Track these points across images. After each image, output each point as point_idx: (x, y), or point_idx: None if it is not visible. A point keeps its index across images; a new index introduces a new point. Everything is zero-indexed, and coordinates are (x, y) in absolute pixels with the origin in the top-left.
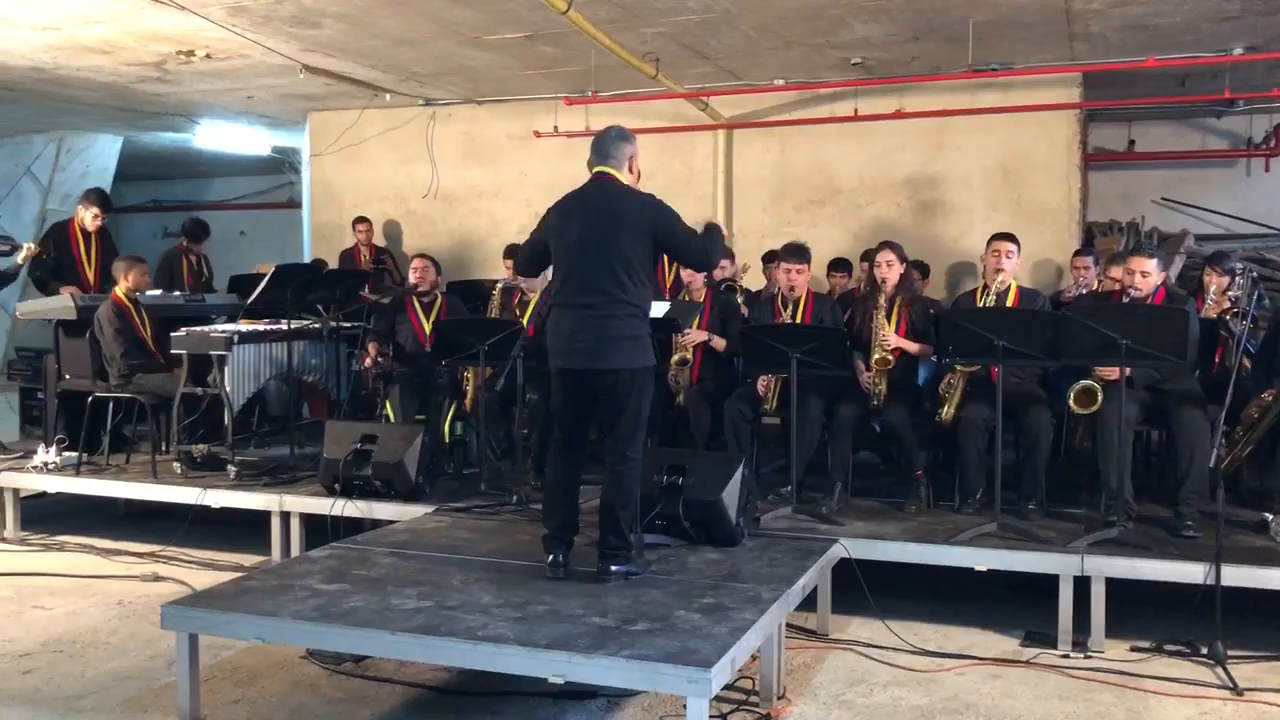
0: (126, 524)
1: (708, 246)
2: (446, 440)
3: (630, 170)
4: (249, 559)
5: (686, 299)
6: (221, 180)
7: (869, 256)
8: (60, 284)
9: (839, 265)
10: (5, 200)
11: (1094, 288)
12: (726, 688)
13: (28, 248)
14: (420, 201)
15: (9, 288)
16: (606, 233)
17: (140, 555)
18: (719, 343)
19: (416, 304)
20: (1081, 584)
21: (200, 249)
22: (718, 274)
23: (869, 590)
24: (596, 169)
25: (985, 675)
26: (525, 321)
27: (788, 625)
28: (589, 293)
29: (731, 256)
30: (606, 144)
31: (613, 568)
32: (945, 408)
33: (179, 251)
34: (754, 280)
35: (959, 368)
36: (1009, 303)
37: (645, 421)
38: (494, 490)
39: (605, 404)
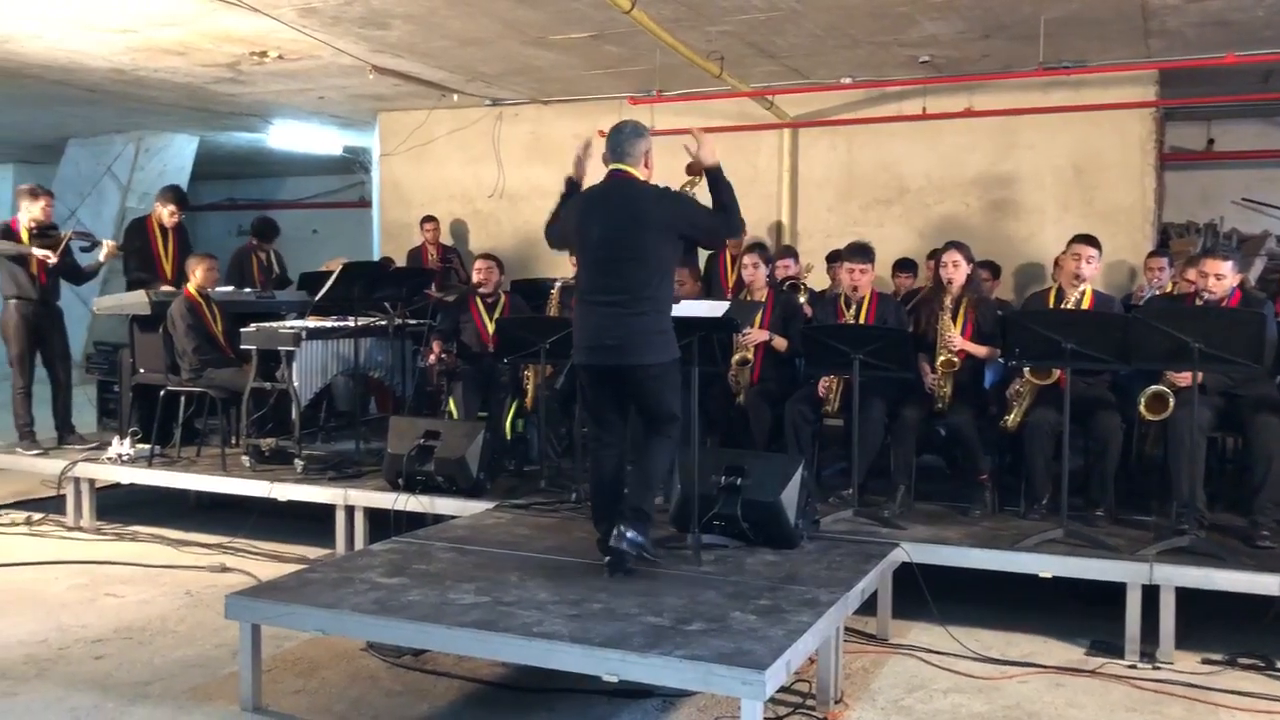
0: (196, 515)
1: (727, 216)
2: (508, 437)
3: (646, 165)
4: (314, 551)
5: (747, 298)
6: (295, 179)
7: (935, 256)
8: (152, 278)
9: (904, 265)
10: (88, 198)
11: (1168, 289)
12: (783, 690)
13: (108, 245)
14: (486, 201)
15: (88, 283)
16: (627, 231)
17: (209, 546)
18: (780, 343)
19: (480, 303)
20: (1150, 593)
21: (270, 247)
22: (780, 273)
23: (930, 595)
24: (613, 166)
25: (1049, 684)
26: None
27: (847, 629)
28: (612, 290)
29: (795, 255)
30: (622, 141)
31: (628, 533)
32: (1012, 415)
33: (249, 250)
34: (819, 281)
35: (1028, 375)
36: (1083, 308)
37: (679, 406)
38: (554, 488)
39: (636, 398)
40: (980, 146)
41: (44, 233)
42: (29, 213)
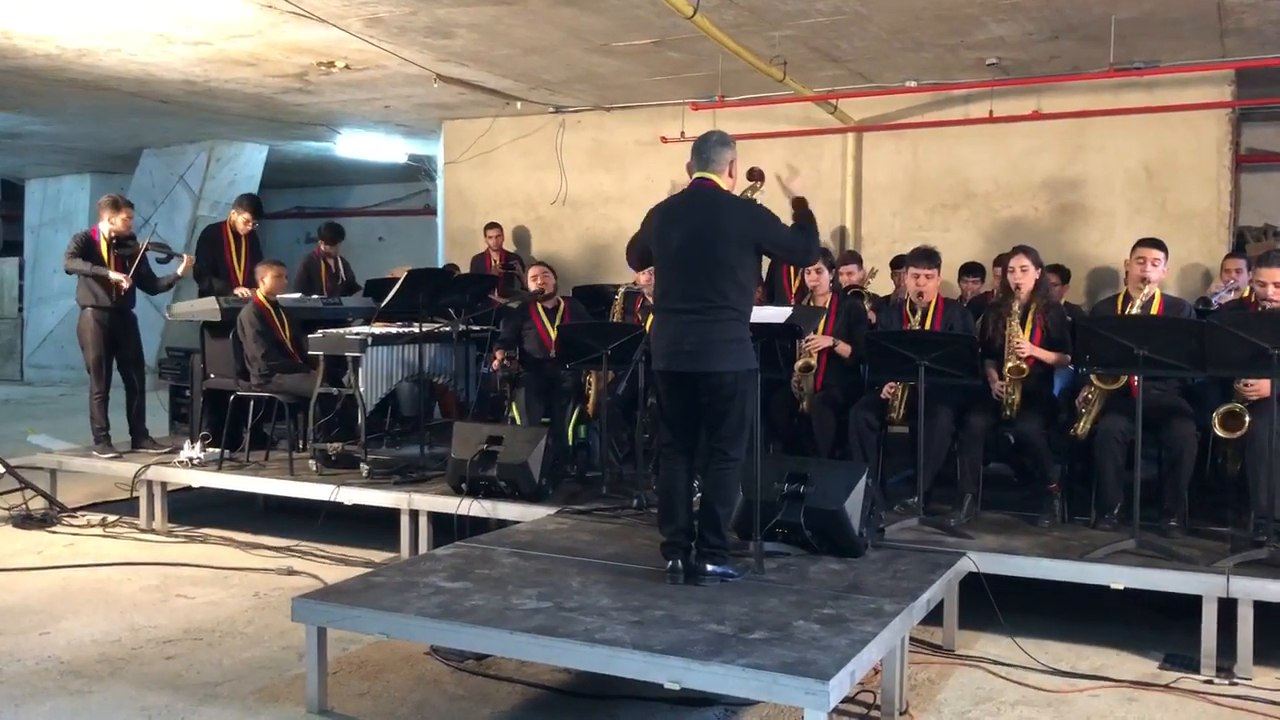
0: (264, 518)
1: (807, 242)
2: (570, 443)
3: (730, 175)
4: (379, 555)
5: (811, 304)
6: (361, 187)
7: (1003, 261)
8: (224, 285)
9: (971, 270)
10: (161, 207)
11: (1245, 293)
12: (847, 701)
13: (186, 260)
14: (549, 207)
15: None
16: (708, 240)
17: (276, 549)
18: (844, 348)
19: (541, 309)
20: (1227, 607)
21: (336, 251)
22: (844, 279)
23: (998, 606)
24: (697, 174)
25: (1121, 698)
26: (647, 326)
27: (912, 639)
28: (691, 299)
29: (859, 261)
30: (707, 149)
31: (709, 567)
32: (1081, 422)
33: (316, 256)
34: (883, 286)
35: (1096, 382)
36: (1153, 312)
37: (749, 423)
38: (615, 493)
39: (709, 406)
40: (1049, 149)
41: (122, 243)
42: (110, 224)
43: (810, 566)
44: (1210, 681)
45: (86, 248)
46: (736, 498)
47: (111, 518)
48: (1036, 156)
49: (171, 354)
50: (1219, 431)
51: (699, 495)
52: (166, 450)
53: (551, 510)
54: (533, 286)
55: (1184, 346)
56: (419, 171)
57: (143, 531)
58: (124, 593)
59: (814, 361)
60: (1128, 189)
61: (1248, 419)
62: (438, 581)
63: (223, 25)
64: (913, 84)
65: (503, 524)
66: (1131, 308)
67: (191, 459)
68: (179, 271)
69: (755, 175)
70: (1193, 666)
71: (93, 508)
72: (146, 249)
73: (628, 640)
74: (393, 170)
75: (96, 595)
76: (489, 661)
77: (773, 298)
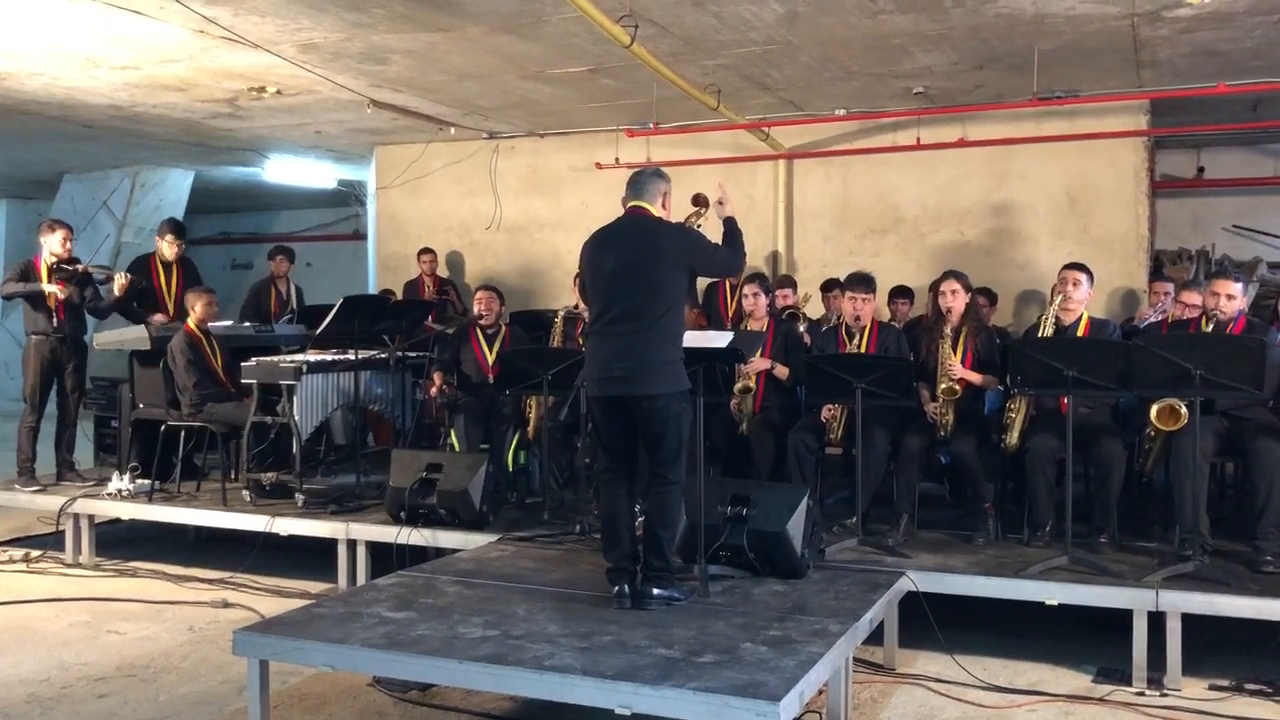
0: (196, 550)
1: (731, 253)
2: (510, 469)
3: (663, 206)
4: (316, 586)
5: (747, 328)
6: (288, 212)
7: (937, 286)
8: (147, 310)
9: (901, 292)
10: (83, 234)
11: (1170, 315)
12: None
13: (119, 279)
14: (483, 233)
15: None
16: (640, 263)
17: (210, 581)
18: (781, 371)
19: (480, 334)
20: (1156, 620)
21: (287, 273)
22: (780, 303)
23: (937, 624)
24: (630, 204)
25: (1057, 712)
26: None
27: (854, 659)
28: (625, 320)
29: (794, 285)
30: (642, 181)
31: (655, 591)
32: (1009, 435)
33: (269, 281)
34: (814, 309)
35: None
36: (1079, 333)
37: (685, 444)
38: (557, 519)
39: (644, 429)
40: (975, 176)
41: (61, 267)
42: (48, 247)
43: (754, 589)
44: (1142, 693)
45: (26, 274)
46: (679, 520)
47: (35, 552)
48: (963, 183)
49: (96, 383)
50: (1155, 424)
51: (641, 519)
52: (92, 482)
53: (493, 538)
54: (477, 310)
55: (1111, 367)
56: (348, 197)
57: (69, 566)
58: (52, 630)
59: (753, 384)
60: (1050, 214)
61: (1184, 412)
62: (382, 611)
63: (153, 50)
64: (842, 112)
65: (442, 553)
66: (1046, 326)
67: (120, 490)
68: (116, 291)
69: (700, 201)
70: (1125, 679)
71: (14, 542)
72: (87, 270)
73: (578, 667)
74: (321, 195)
75: (22, 633)
76: (433, 692)
77: (710, 321)
